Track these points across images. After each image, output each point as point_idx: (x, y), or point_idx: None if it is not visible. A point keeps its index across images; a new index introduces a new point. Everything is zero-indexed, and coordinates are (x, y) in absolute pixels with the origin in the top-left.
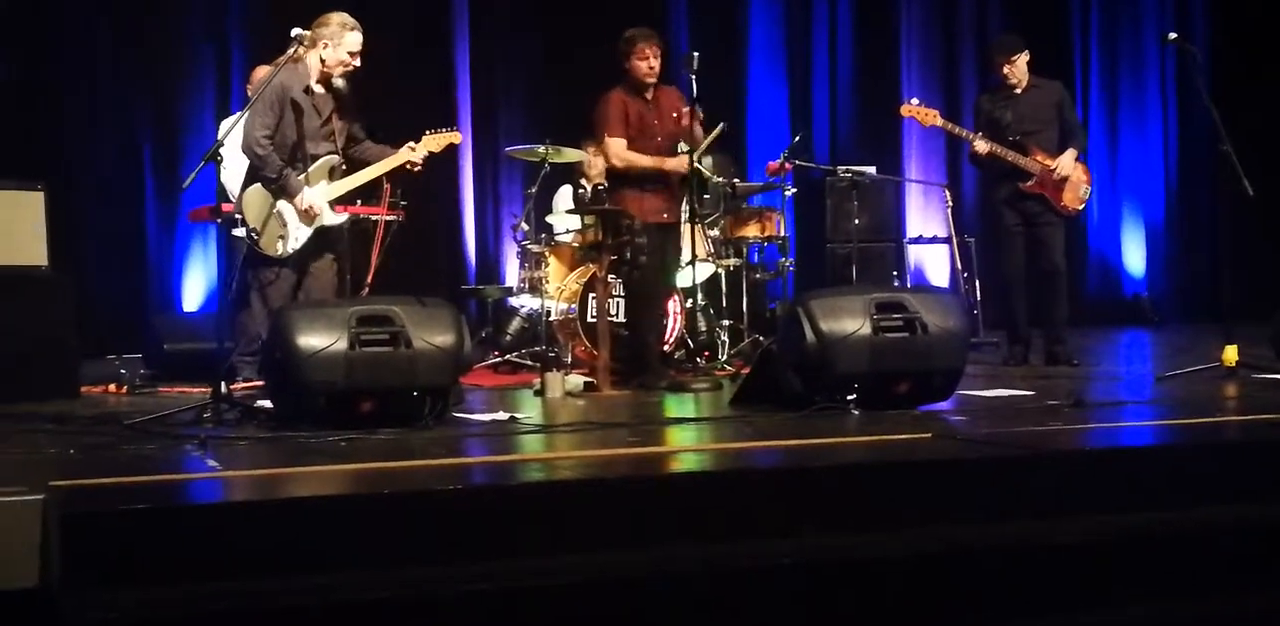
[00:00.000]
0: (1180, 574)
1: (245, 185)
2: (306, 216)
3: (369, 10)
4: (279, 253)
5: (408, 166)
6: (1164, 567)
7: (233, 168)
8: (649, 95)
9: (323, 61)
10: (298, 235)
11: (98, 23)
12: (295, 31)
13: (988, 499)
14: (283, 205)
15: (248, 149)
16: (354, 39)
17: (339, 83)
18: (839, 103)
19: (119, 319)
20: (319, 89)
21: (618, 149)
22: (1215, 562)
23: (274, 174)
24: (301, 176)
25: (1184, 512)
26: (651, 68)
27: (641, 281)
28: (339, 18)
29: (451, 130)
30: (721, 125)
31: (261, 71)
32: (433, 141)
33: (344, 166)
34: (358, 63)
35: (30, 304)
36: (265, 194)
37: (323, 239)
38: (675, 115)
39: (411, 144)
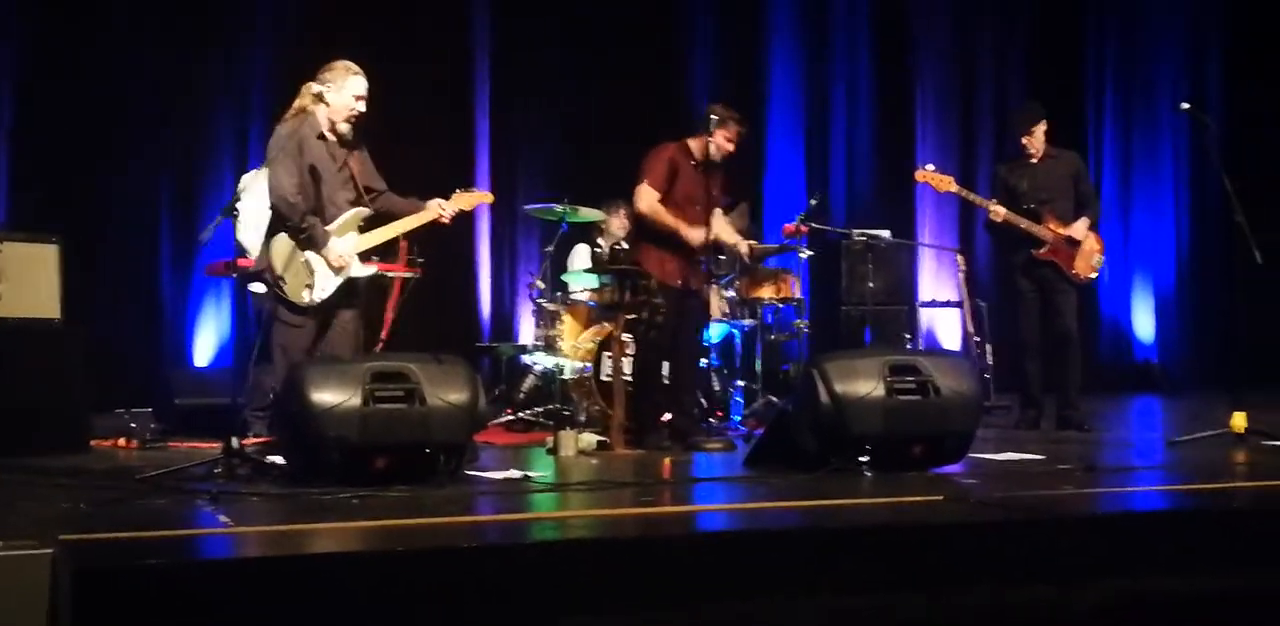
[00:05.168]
0: None
1: (270, 234)
2: (336, 267)
3: (389, 69)
4: (305, 301)
5: (437, 221)
6: None
7: (249, 222)
8: (704, 168)
9: (328, 105)
10: (324, 286)
11: (118, 76)
12: (313, 87)
13: (1000, 562)
14: (310, 254)
15: (280, 200)
16: (357, 82)
17: (344, 128)
18: (855, 166)
19: (130, 372)
20: (331, 136)
21: (649, 198)
22: None
23: (305, 225)
24: (328, 227)
25: (1194, 578)
26: (730, 150)
27: (655, 343)
28: (343, 63)
29: (483, 191)
30: (742, 204)
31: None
32: (464, 199)
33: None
34: (362, 107)
35: (42, 356)
36: (292, 242)
37: (348, 291)
38: (715, 193)
39: (441, 201)
